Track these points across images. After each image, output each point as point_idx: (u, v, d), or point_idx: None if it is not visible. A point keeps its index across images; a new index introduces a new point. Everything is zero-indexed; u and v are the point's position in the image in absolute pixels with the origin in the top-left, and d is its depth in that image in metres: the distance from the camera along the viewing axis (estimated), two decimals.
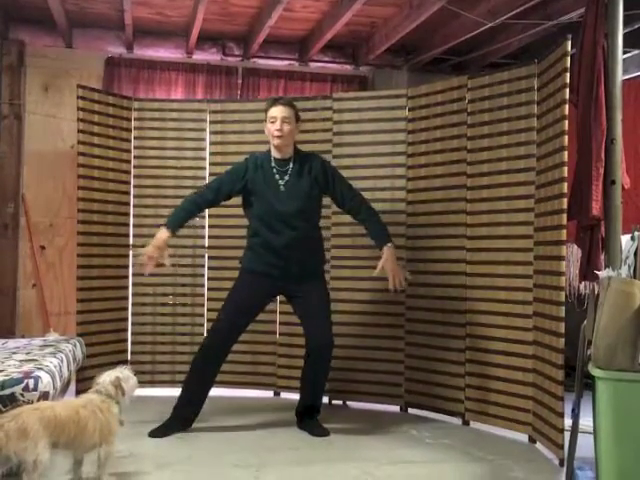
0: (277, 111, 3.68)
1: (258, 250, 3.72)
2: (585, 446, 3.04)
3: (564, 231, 3.33)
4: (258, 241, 3.72)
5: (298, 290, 3.74)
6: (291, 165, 3.72)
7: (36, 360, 3.30)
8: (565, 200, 3.33)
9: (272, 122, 3.68)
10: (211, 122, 4.67)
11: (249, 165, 3.75)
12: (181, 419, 3.70)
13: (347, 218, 4.35)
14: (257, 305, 3.80)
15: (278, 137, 3.68)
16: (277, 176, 3.70)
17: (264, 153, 3.81)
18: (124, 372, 2.97)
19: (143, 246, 3.68)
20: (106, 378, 2.93)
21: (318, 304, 3.75)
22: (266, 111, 3.72)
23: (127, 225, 4.62)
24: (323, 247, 3.89)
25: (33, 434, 2.55)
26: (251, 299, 3.75)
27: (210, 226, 4.65)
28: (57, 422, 2.65)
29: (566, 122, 3.30)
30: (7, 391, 2.89)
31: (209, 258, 4.66)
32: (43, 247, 5.22)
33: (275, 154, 3.75)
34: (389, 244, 3.71)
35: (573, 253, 4.58)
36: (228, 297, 3.78)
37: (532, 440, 3.63)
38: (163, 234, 3.60)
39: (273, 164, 3.73)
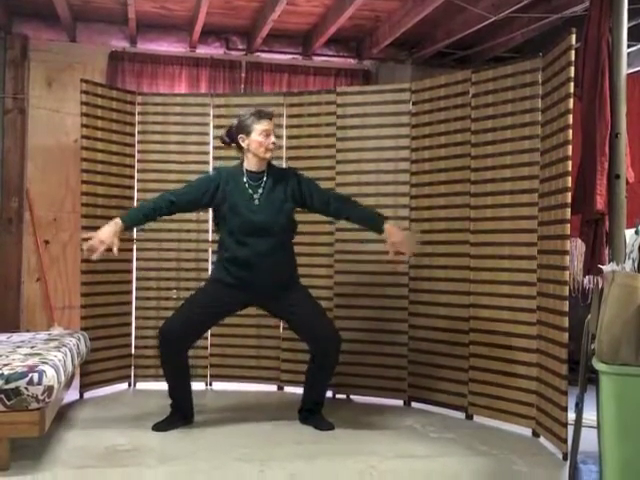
0: (270, 124, 3.63)
1: (226, 265, 3.64)
2: (589, 440, 3.03)
3: (568, 225, 3.32)
4: (227, 256, 3.65)
5: (282, 307, 3.70)
6: (265, 178, 3.67)
7: (40, 354, 3.31)
8: (569, 194, 3.32)
9: (267, 135, 3.61)
10: (215, 116, 4.66)
11: (222, 177, 3.68)
12: (181, 412, 3.71)
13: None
14: (220, 310, 3.71)
15: (272, 150, 3.65)
16: (250, 190, 3.64)
17: (234, 167, 3.76)
18: None
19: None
20: None
21: (310, 309, 3.71)
22: (251, 124, 3.61)
23: None
24: (295, 261, 3.79)
25: None
26: (214, 302, 3.66)
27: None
28: None
29: (570, 116, 3.30)
30: (12, 385, 2.91)
31: (212, 252, 4.64)
32: (47, 241, 5.23)
33: (251, 167, 3.67)
34: (385, 223, 3.61)
35: (577, 247, 4.58)
36: (190, 297, 3.77)
37: (536, 434, 3.63)
38: (117, 226, 3.45)
39: (245, 178, 3.67)
